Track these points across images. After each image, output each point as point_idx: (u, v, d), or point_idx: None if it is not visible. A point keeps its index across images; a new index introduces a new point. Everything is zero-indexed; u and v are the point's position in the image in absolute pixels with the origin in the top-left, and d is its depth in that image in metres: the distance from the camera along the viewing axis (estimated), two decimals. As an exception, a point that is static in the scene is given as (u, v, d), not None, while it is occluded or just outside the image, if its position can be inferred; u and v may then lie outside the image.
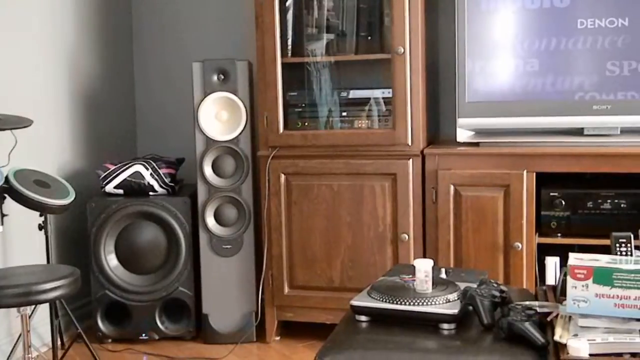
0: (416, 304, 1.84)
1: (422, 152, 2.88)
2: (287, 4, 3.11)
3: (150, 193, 3.16)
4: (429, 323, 1.80)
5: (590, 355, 1.60)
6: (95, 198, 3.17)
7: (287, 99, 3.07)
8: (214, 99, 3.09)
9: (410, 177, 2.87)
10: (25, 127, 2.67)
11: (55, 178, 2.86)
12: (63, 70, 3.28)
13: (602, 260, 1.76)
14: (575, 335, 1.65)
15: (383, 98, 3.00)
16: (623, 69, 2.75)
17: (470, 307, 1.84)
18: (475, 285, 1.91)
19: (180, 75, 3.42)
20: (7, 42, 2.93)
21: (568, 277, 1.70)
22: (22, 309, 2.46)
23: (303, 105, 3.10)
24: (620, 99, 2.76)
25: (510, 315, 1.75)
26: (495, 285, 1.93)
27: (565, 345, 1.63)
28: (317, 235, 2.99)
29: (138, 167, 3.16)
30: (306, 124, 3.07)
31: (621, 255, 1.94)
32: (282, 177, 3.03)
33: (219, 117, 3.11)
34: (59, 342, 2.98)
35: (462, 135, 2.91)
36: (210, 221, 3.12)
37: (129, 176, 3.15)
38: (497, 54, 2.88)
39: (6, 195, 2.49)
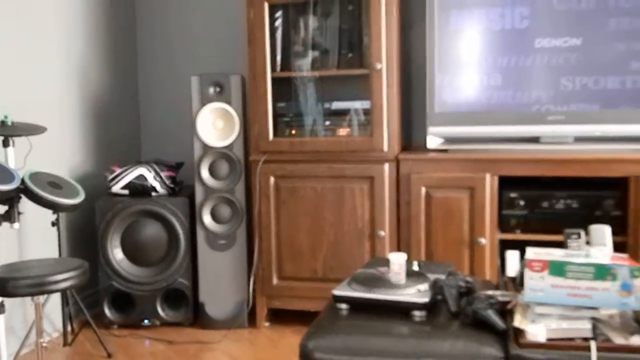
0: (391, 293, 1.84)
1: (396, 157, 2.87)
2: (276, 24, 3.09)
3: (153, 193, 3.14)
4: (402, 310, 1.80)
5: (547, 339, 1.60)
6: (103, 198, 3.14)
7: (276, 110, 3.05)
8: (210, 109, 3.06)
9: (386, 180, 2.86)
10: (39, 133, 2.65)
11: (66, 180, 2.83)
12: (74, 83, 3.25)
13: (556, 254, 1.76)
14: (533, 321, 1.66)
15: (362, 109, 2.98)
16: (575, 84, 2.76)
17: (439, 296, 1.84)
18: (443, 277, 1.91)
19: (180, 87, 3.39)
20: (25, 57, 2.90)
21: (526, 270, 1.70)
22: (35, 298, 2.44)
23: (290, 115, 3.08)
24: (573, 111, 2.77)
25: (474, 303, 1.74)
26: (462, 276, 1.93)
27: (523, 331, 1.63)
28: (302, 232, 2.98)
29: (142, 170, 3.13)
30: (293, 132, 3.06)
31: (573, 249, 1.94)
32: (272, 179, 3.01)
33: (215, 126, 3.09)
34: (69, 328, 2.96)
35: (433, 142, 2.90)
36: (207, 219, 3.10)
37: (134, 178, 3.12)
38: (464, 69, 2.88)
39: (22, 195, 2.46)
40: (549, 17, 2.76)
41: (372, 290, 1.87)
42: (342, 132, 3.01)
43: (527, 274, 1.69)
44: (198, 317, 3.13)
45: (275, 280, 3.04)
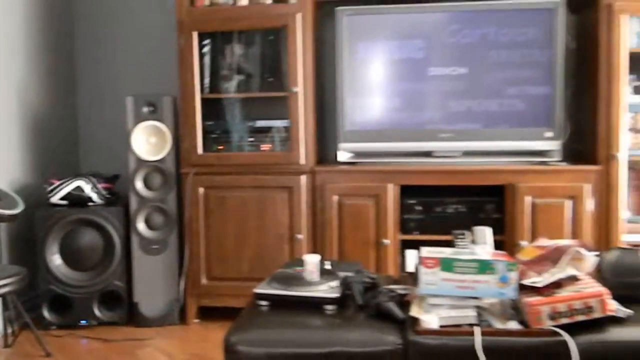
0: (306, 290, 1.83)
1: (312, 169, 2.87)
2: (205, 50, 3.04)
3: (90, 204, 3.00)
4: (315, 305, 1.78)
5: (440, 326, 1.63)
6: (42, 208, 2.97)
7: (205, 127, 2.99)
8: (144, 126, 2.97)
9: (303, 190, 2.86)
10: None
11: (6, 192, 2.67)
12: (14, 99, 3.07)
13: (447, 252, 1.79)
14: (427, 311, 1.68)
15: (283, 127, 2.96)
16: (462, 106, 2.85)
17: (348, 292, 1.84)
18: (352, 274, 1.91)
19: (116, 106, 3.27)
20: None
21: (421, 266, 1.73)
22: (-25, 303, 2.27)
23: (218, 132, 3.02)
24: (460, 129, 2.85)
25: (378, 297, 1.76)
26: (367, 273, 1.94)
27: (419, 319, 1.65)
28: (229, 237, 2.92)
29: (80, 182, 2.99)
30: (220, 147, 3.00)
31: (460, 248, 1.99)
32: (201, 190, 2.94)
33: (149, 141, 3.00)
34: (9, 330, 2.77)
35: (343, 156, 2.93)
36: (141, 226, 2.99)
37: (72, 190, 2.98)
38: (370, 93, 2.91)
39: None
40: (440, 49, 2.84)
41: (289, 288, 1.85)
42: (265, 147, 2.99)
43: (422, 269, 1.71)
44: (132, 316, 3.01)
45: (204, 281, 2.97)
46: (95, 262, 2.99)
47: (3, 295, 2.56)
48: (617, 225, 2.63)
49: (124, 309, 3.01)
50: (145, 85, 3.30)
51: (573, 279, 1.68)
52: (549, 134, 2.77)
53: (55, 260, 2.96)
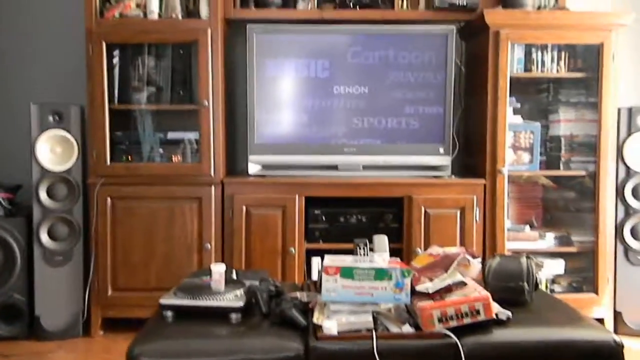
0: (211, 299, 1.77)
1: (222, 181, 2.81)
2: (114, 61, 2.90)
3: (-11, 215, 2.76)
4: (221, 314, 1.74)
5: (339, 332, 1.63)
6: None
7: (114, 138, 2.84)
8: (49, 135, 2.78)
9: (213, 200, 2.79)
10: None
11: None
12: None
13: (347, 260, 1.81)
14: (328, 317, 1.68)
15: (194, 139, 2.88)
16: (364, 123, 2.90)
17: (253, 300, 1.80)
18: (257, 283, 1.88)
19: (19, 114, 3.03)
20: None
21: (323, 274, 1.73)
22: None
23: (127, 143, 2.88)
24: (362, 144, 2.90)
25: (281, 304, 1.73)
26: (272, 281, 1.91)
27: (320, 326, 1.64)
28: (137, 247, 2.79)
29: (-22, 192, 2.75)
30: (130, 158, 2.87)
31: (360, 255, 2.01)
32: (109, 200, 2.79)
33: (54, 151, 2.81)
34: None
35: (253, 168, 2.89)
36: (44, 237, 2.78)
37: (-31, 200, 2.73)
38: (278, 108, 2.90)
39: None
40: (344, 69, 2.88)
41: (195, 297, 1.78)
42: (175, 158, 2.89)
43: (324, 277, 1.72)
44: (34, 330, 2.79)
45: (110, 292, 2.81)
46: (-7, 275, 2.75)
47: None
48: (502, 234, 2.77)
49: (24, 322, 2.78)
50: (53, 94, 3.09)
51: (461, 284, 1.74)
52: (442, 150, 2.87)
53: (-52, 273, 2.69)
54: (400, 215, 2.80)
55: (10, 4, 3.18)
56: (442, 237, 2.71)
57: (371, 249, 2.04)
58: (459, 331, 1.62)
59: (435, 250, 1.96)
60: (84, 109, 2.86)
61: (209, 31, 2.76)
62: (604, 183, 2.78)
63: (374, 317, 1.67)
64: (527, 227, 2.89)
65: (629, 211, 2.86)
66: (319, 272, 2.02)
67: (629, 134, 2.85)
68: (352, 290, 1.71)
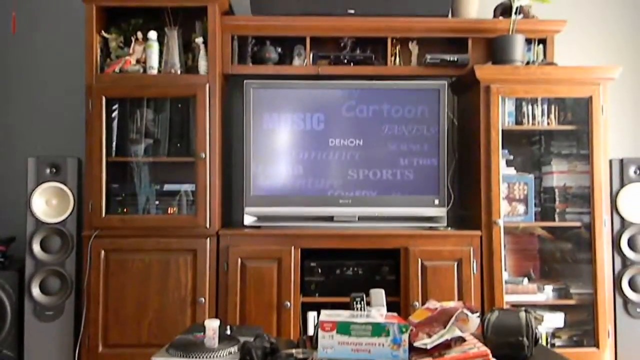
0: (205, 357, 1.68)
1: (217, 233, 2.74)
2: (114, 115, 2.89)
3: (-20, 268, 2.68)
4: (212, 373, 1.64)
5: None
6: None
7: (110, 190, 2.80)
8: (45, 187, 2.75)
9: (208, 252, 2.71)
10: None
11: None
12: None
13: (344, 315, 1.73)
14: (324, 376, 1.59)
15: (190, 191, 2.83)
16: (359, 175, 2.87)
17: (248, 358, 1.71)
18: (252, 339, 1.79)
19: (15, 166, 3.01)
20: None
21: (319, 330, 1.65)
22: None
23: (123, 194, 2.84)
24: (357, 196, 2.86)
25: (275, 363, 1.64)
26: (267, 337, 1.82)
27: (315, 385, 1.55)
28: (129, 301, 2.69)
29: (-30, 245, 2.67)
30: (125, 210, 2.81)
31: (357, 310, 1.94)
32: (103, 252, 2.71)
33: (50, 203, 2.76)
34: None
35: (248, 219, 2.84)
36: (36, 291, 2.70)
37: (-39, 253, 2.65)
38: (274, 160, 2.88)
39: None
40: (339, 122, 2.88)
41: (188, 355, 1.69)
42: (171, 210, 2.83)
43: (320, 333, 1.64)
44: (21, 388, 2.66)
45: (100, 348, 2.68)
46: (-19, 330, 2.64)
47: None
48: (500, 286, 2.69)
49: (11, 380, 2.65)
50: (52, 147, 3.06)
51: (460, 339, 1.66)
52: (437, 201, 2.83)
53: None
54: (397, 267, 2.73)
55: (10, 58, 3.20)
56: (439, 290, 2.63)
57: (368, 303, 1.97)
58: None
59: (433, 304, 1.88)
60: (82, 162, 2.83)
61: (207, 86, 2.77)
62: (600, 235, 2.73)
63: (371, 376, 1.58)
64: (526, 280, 2.82)
65: (626, 263, 2.80)
66: (314, 327, 1.93)
67: (622, 185, 2.82)
68: (348, 346, 1.63)
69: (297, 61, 2.99)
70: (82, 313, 2.69)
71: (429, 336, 1.66)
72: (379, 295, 2.02)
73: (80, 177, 2.83)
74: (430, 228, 2.80)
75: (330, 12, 2.89)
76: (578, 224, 2.83)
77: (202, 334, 1.79)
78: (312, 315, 2.65)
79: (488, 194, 2.72)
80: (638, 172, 2.84)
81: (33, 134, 3.18)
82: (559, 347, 2.74)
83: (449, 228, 2.82)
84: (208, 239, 2.72)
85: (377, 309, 1.89)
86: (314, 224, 2.81)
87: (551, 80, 2.76)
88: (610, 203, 2.79)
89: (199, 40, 2.81)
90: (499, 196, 2.72)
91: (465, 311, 1.77)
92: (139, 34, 2.82)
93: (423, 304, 2.50)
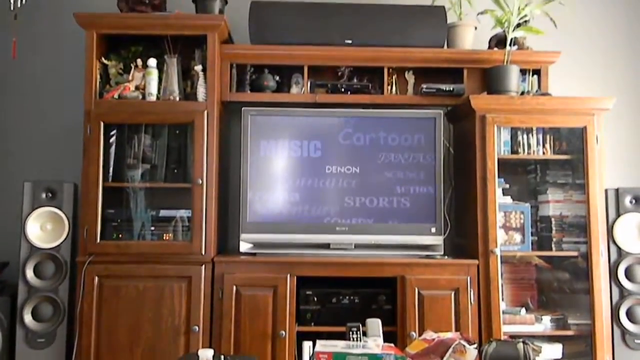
0: (196, 388, 1.63)
1: (212, 259, 2.70)
2: (111, 140, 2.87)
3: (-29, 293, 2.62)
4: (204, 405, 1.59)
5: None
6: None
7: (105, 215, 2.76)
8: (40, 212, 2.72)
9: (202, 279, 2.66)
10: None
11: None
12: None
13: (340, 345, 1.69)
14: (318, 409, 1.54)
15: (186, 217, 2.80)
16: (356, 202, 2.85)
17: (240, 389, 1.66)
18: (244, 370, 1.74)
19: (9, 191, 2.98)
20: None
21: (314, 362, 1.60)
22: None
23: (119, 220, 2.80)
24: (354, 223, 2.83)
25: (269, 396, 1.59)
26: (260, 369, 1.77)
27: (309, 420, 1.50)
28: (122, 329, 2.63)
29: (-38, 270, 2.62)
30: (120, 235, 2.77)
31: (353, 340, 1.90)
32: (96, 279, 2.66)
33: (44, 228, 2.72)
34: None
35: (244, 246, 2.80)
36: (28, 318, 2.64)
37: (-47, 278, 2.60)
38: (271, 187, 2.86)
39: None
40: (336, 150, 2.87)
41: (179, 386, 1.64)
42: (166, 236, 2.79)
43: (315, 365, 1.59)
44: (8, 418, 2.58)
45: (92, 377, 2.62)
46: (-30, 358, 2.58)
47: None
48: (498, 317, 2.64)
49: (-1, 410, 2.58)
50: (47, 171, 3.04)
51: (457, 372, 1.62)
52: (434, 230, 2.80)
53: None
54: (393, 296, 2.68)
55: (9, 82, 3.20)
56: (436, 319, 2.58)
57: (364, 333, 1.93)
58: None
59: (430, 335, 1.84)
60: (78, 187, 2.80)
61: (205, 113, 2.76)
62: (597, 265, 2.69)
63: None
64: (523, 310, 2.77)
65: (623, 293, 2.76)
66: (310, 357, 1.89)
67: (618, 214, 2.80)
68: (344, 379, 1.58)
69: (295, 89, 2.99)
70: (74, 340, 2.63)
71: (426, 368, 1.62)
72: (375, 325, 1.98)
73: (76, 202, 2.80)
74: (427, 256, 2.77)
75: (328, 42, 2.91)
76: (575, 253, 2.80)
77: (195, 364, 1.74)
78: (307, 345, 2.59)
79: (484, 223, 2.70)
80: (634, 202, 2.83)
81: (30, 158, 3.15)
82: (558, 379, 2.68)
83: (446, 257, 2.79)
84: (203, 265, 2.68)
85: (373, 339, 1.85)
86: (310, 252, 2.77)
87: (546, 110, 2.77)
88: (607, 233, 2.76)
89: (198, 68, 2.82)
90: (495, 225, 2.69)
91: (463, 342, 1.73)
92: (139, 61, 2.83)
93: (420, 334, 2.46)
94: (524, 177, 3.03)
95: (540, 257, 2.88)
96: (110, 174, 2.84)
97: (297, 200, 2.84)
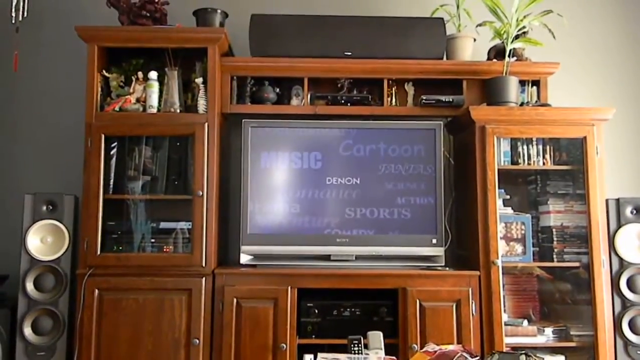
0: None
1: (213, 271, 2.68)
2: (112, 152, 2.87)
3: (-29, 307, 2.60)
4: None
5: None
6: None
7: (106, 227, 2.75)
8: (41, 225, 2.70)
9: (203, 292, 2.64)
10: None
11: None
12: None
13: (341, 358, 1.69)
14: None
15: (186, 229, 2.79)
16: (357, 213, 2.84)
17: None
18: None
19: (9, 204, 2.97)
20: None
21: (314, 375, 1.59)
22: None
23: (120, 232, 2.79)
24: (354, 235, 2.82)
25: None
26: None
27: None
28: (122, 342, 2.60)
29: (-38, 283, 2.61)
30: (121, 247, 2.76)
31: (354, 353, 1.88)
32: (96, 292, 2.64)
33: (45, 241, 2.71)
34: None
35: (245, 258, 2.79)
36: (27, 331, 2.62)
37: (-48, 291, 2.58)
38: (271, 198, 2.85)
39: None
40: (336, 161, 2.87)
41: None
42: (167, 249, 2.78)
43: (315, 379, 1.58)
44: None
45: (91, 392, 2.59)
46: (-31, 372, 2.55)
47: None
48: (500, 328, 2.61)
49: None
50: (48, 183, 3.03)
51: (460, 385, 1.60)
52: (435, 241, 2.79)
53: None
54: (394, 308, 2.66)
55: (11, 95, 3.20)
56: (438, 331, 2.56)
57: (365, 346, 1.91)
58: None
59: (432, 347, 1.82)
60: (78, 199, 2.79)
61: (206, 125, 2.76)
62: (599, 275, 2.68)
63: None
64: (526, 322, 2.75)
65: (625, 304, 2.74)
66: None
67: (619, 225, 2.79)
68: (345, 392, 1.56)
69: (295, 101, 3.00)
70: (75, 354, 2.61)
71: (428, 381, 1.60)
72: (376, 337, 1.97)
73: (76, 214, 2.79)
74: (428, 268, 2.75)
75: (328, 54, 2.92)
76: (576, 264, 2.79)
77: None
78: (308, 358, 2.55)
79: (485, 234, 2.69)
80: (635, 212, 2.82)
81: (31, 171, 3.15)
82: (561, 390, 2.65)
83: (447, 268, 2.77)
84: (203, 278, 2.66)
85: (374, 351, 1.84)
86: (310, 263, 2.76)
87: (545, 121, 2.77)
88: (608, 243, 2.75)
89: (199, 80, 2.82)
90: (496, 236, 2.68)
91: (465, 354, 1.72)
92: (140, 74, 2.83)
93: (422, 346, 2.44)
94: (524, 187, 3.02)
95: (541, 268, 2.86)
96: (111, 186, 2.83)
97: (298, 212, 2.83)
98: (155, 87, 2.80)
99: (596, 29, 3.34)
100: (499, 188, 2.73)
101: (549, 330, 2.74)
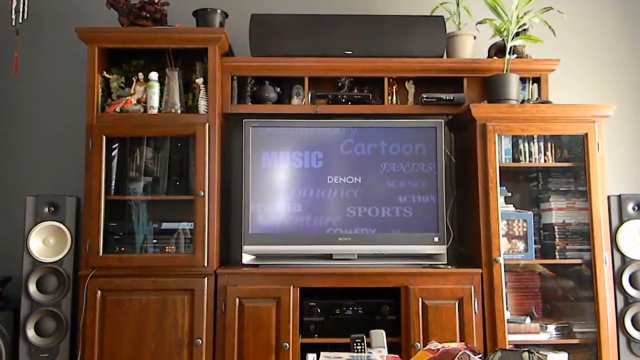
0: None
1: (215, 271, 2.69)
2: (113, 153, 2.88)
3: (-26, 309, 2.61)
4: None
5: None
6: None
7: (108, 228, 2.75)
8: (43, 226, 2.71)
9: (205, 292, 2.65)
10: None
11: None
12: None
13: (344, 357, 1.69)
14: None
15: (188, 229, 2.79)
16: (358, 212, 2.84)
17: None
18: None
19: (11, 206, 2.98)
20: None
21: (317, 374, 1.59)
22: None
23: (121, 233, 2.79)
24: (356, 233, 2.82)
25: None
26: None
27: None
28: (125, 343, 2.61)
29: (-35, 286, 2.62)
30: (123, 248, 2.76)
31: (357, 352, 1.89)
32: (99, 293, 2.65)
33: (47, 242, 2.72)
34: None
35: (247, 258, 2.79)
36: (30, 333, 2.63)
37: (-44, 293, 2.59)
38: (273, 198, 2.85)
39: None
40: (338, 160, 2.87)
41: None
42: (169, 249, 2.79)
43: (319, 377, 1.58)
44: None
45: (95, 393, 2.60)
46: (-27, 373, 2.56)
47: None
48: (502, 326, 2.62)
49: None
50: (50, 185, 3.04)
51: (463, 383, 1.60)
52: (437, 239, 2.79)
53: None
54: (397, 306, 2.66)
55: (11, 97, 3.21)
56: (441, 329, 2.56)
57: (368, 344, 1.91)
58: None
59: (435, 345, 1.82)
60: (80, 201, 2.80)
61: (207, 125, 2.77)
62: (601, 272, 2.68)
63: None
64: (528, 319, 2.75)
65: (628, 300, 2.74)
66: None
67: (621, 221, 2.79)
68: (348, 391, 1.56)
69: (295, 100, 3.00)
70: (77, 355, 2.62)
71: (431, 379, 1.60)
72: (379, 336, 1.97)
73: (78, 216, 2.79)
74: (430, 266, 2.75)
75: (328, 53, 2.92)
76: (579, 261, 2.79)
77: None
78: (311, 357, 2.54)
79: (487, 231, 2.69)
80: (637, 208, 2.82)
81: (32, 173, 3.16)
82: (564, 388, 2.65)
83: (449, 266, 2.77)
84: (206, 278, 2.67)
85: (377, 350, 1.84)
86: (313, 263, 2.76)
87: (546, 118, 2.77)
88: (610, 240, 2.75)
89: (199, 80, 2.83)
90: (498, 233, 2.68)
91: (468, 352, 1.72)
92: (140, 75, 2.84)
93: (424, 344, 2.44)
94: (526, 185, 3.02)
95: (543, 265, 2.86)
96: (113, 187, 2.84)
97: (299, 211, 2.83)
98: (155, 87, 2.81)
99: (596, 26, 3.34)
100: (500, 186, 2.73)
101: (551, 328, 2.74)
